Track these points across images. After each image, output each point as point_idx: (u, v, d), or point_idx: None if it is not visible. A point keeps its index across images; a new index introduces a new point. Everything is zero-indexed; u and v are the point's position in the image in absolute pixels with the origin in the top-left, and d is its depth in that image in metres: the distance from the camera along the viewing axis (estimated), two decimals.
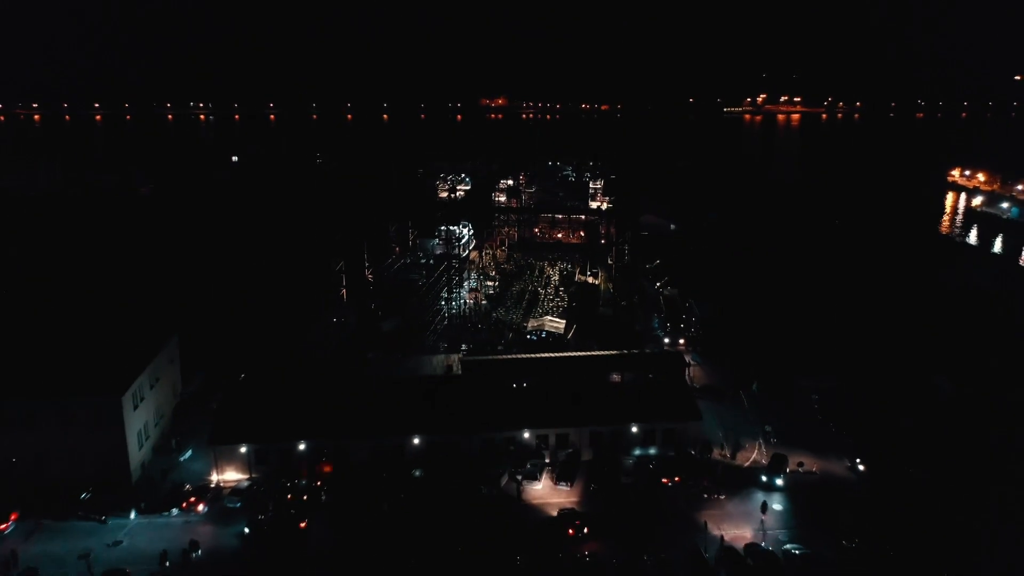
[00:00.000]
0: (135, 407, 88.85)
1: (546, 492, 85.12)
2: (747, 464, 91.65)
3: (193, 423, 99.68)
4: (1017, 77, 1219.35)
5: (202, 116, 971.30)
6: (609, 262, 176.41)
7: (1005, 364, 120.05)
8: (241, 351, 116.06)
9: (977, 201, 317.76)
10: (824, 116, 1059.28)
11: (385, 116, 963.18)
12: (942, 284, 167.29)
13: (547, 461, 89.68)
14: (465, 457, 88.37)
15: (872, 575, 70.84)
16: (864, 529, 76.92)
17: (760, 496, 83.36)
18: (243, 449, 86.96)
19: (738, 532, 77.85)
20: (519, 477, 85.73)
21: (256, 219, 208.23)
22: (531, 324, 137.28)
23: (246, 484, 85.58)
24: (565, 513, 79.99)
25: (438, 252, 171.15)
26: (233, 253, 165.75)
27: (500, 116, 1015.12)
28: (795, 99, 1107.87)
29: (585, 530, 76.53)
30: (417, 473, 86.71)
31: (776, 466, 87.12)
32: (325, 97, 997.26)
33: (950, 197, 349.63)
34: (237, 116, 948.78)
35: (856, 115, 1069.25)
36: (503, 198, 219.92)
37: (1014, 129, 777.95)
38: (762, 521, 78.30)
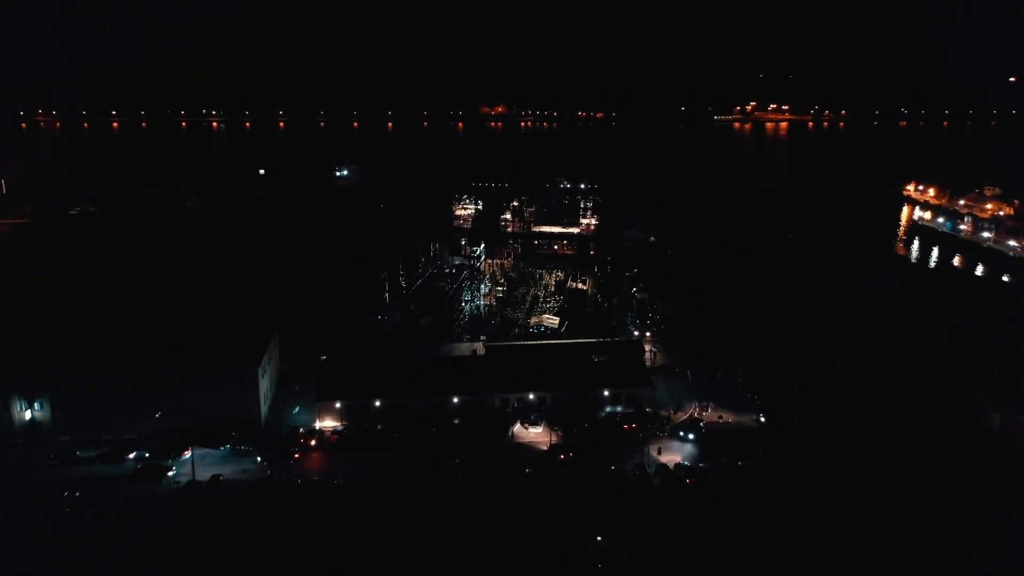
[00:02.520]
0: (262, 376, 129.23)
1: (544, 434, 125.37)
2: (684, 418, 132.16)
3: (290, 391, 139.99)
4: (1012, 79, 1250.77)
5: (215, 124, 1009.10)
6: (596, 271, 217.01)
7: (892, 349, 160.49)
8: (316, 341, 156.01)
9: (926, 216, 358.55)
10: (811, 124, 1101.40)
11: (390, 124, 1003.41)
12: (861, 288, 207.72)
13: (544, 413, 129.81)
14: (489, 410, 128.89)
15: (749, 482, 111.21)
16: (754, 455, 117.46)
17: (679, 442, 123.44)
18: (338, 404, 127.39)
19: (671, 457, 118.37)
20: (525, 423, 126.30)
21: (308, 235, 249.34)
22: (533, 320, 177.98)
23: (341, 428, 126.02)
24: (556, 446, 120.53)
25: (457, 263, 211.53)
26: (297, 266, 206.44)
27: (499, 125, 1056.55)
28: (783, 107, 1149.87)
29: (571, 454, 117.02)
30: (456, 421, 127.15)
31: (691, 425, 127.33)
32: (332, 104, 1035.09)
33: (905, 210, 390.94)
34: (248, 124, 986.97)
35: (841, 123, 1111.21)
36: (509, 216, 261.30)
37: (982, 141, 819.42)
38: (657, 455, 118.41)
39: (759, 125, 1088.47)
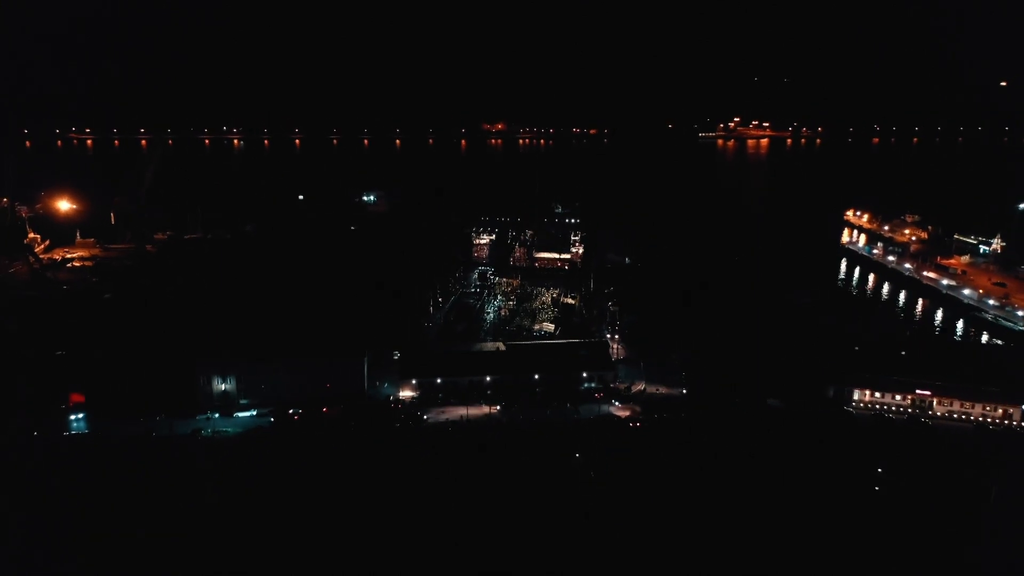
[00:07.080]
0: (364, 363, 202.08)
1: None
2: (634, 391, 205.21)
3: (375, 375, 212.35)
4: (1003, 83, 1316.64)
5: (235, 141, 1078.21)
6: (582, 289, 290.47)
7: (784, 344, 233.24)
8: (383, 342, 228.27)
9: (861, 239, 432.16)
10: (789, 141, 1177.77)
11: (398, 142, 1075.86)
12: (779, 300, 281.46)
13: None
14: (510, 384, 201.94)
15: (670, 426, 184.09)
16: (677, 412, 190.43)
17: (629, 404, 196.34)
18: (413, 381, 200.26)
19: (622, 412, 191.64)
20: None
21: (366, 259, 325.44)
22: (536, 326, 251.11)
23: (416, 396, 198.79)
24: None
25: (478, 283, 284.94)
26: (366, 285, 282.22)
27: (499, 142, 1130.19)
28: (764, 124, 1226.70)
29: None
30: (489, 392, 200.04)
31: (637, 395, 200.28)
32: (344, 122, 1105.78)
33: (845, 233, 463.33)
34: (267, 142, 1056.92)
35: (818, 140, 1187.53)
36: (516, 245, 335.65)
37: (937, 161, 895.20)
38: (614, 411, 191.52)
39: (741, 142, 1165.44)
